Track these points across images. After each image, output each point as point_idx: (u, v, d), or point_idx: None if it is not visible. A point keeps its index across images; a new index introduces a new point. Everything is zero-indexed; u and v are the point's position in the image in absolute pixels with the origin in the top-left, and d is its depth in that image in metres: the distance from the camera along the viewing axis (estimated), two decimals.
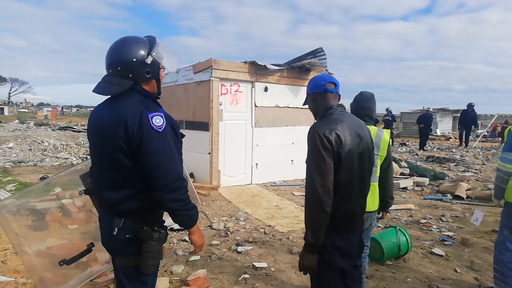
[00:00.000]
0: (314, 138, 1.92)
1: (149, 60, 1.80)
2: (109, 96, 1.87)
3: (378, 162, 2.84)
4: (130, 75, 1.79)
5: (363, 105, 2.96)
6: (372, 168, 2.18)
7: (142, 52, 1.80)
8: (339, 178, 1.92)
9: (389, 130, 3.08)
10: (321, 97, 2.13)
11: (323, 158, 1.88)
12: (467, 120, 15.93)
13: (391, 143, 2.99)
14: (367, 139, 2.08)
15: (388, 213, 3.30)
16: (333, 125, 1.95)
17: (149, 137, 1.70)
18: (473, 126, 16.41)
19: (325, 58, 8.57)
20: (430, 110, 17.55)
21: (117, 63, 1.79)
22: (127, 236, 1.80)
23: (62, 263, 2.32)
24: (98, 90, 1.83)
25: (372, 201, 2.80)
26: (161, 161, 1.73)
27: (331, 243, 1.97)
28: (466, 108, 16.19)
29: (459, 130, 16.80)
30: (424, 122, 15.68)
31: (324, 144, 1.89)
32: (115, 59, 1.80)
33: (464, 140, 16.22)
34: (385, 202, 2.99)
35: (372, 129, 2.85)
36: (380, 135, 2.86)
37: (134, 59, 1.78)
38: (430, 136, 18.33)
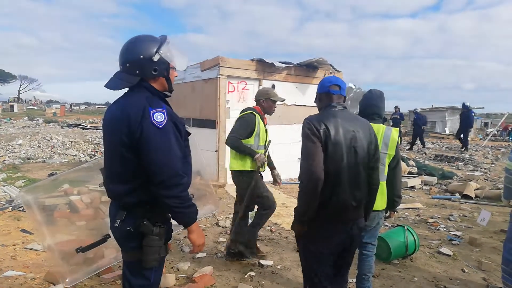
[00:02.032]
0: (305, 127, 2.15)
1: (156, 57, 1.84)
2: (124, 92, 1.93)
3: (386, 161, 2.82)
4: (137, 72, 1.84)
5: (372, 103, 2.94)
6: (375, 164, 2.27)
7: (150, 50, 1.84)
8: (326, 167, 2.07)
9: (398, 129, 3.06)
10: (324, 97, 2.32)
11: (313, 141, 2.08)
12: (462, 120, 15.02)
13: (399, 142, 2.97)
14: (365, 135, 2.20)
15: (395, 212, 3.27)
16: (324, 118, 2.16)
17: (148, 132, 1.73)
18: (468, 127, 15.10)
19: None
20: (418, 109, 18.36)
21: (126, 60, 1.86)
22: (128, 228, 1.84)
23: (79, 250, 2.36)
24: (108, 85, 1.90)
25: (380, 200, 2.77)
26: (159, 156, 1.75)
27: (322, 232, 2.16)
28: (461, 108, 15.46)
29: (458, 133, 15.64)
30: (420, 123, 16.22)
31: (313, 131, 2.10)
32: (125, 56, 1.87)
33: (462, 141, 15.15)
34: (393, 201, 2.96)
35: (381, 127, 2.82)
36: (389, 133, 2.83)
37: (141, 56, 1.83)
38: (439, 135, 18.18)
